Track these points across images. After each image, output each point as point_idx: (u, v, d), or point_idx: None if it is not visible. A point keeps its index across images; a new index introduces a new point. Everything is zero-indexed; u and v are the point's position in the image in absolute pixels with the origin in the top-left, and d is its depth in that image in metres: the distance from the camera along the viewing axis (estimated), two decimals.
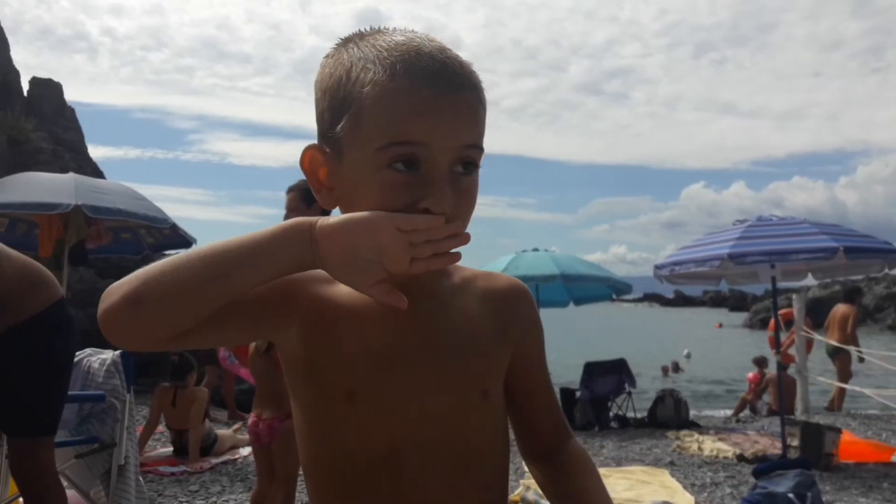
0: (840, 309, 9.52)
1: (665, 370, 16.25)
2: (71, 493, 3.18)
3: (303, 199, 3.92)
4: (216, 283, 0.76)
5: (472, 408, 0.90)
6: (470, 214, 0.87)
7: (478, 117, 0.85)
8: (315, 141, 0.89)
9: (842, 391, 9.06)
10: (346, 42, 0.87)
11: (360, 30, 0.89)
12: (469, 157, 0.85)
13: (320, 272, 0.82)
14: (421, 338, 0.89)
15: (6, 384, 2.41)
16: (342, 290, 0.88)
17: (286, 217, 4.12)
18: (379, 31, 0.87)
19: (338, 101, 0.84)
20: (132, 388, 3.25)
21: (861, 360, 9.64)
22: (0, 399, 2.41)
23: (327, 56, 0.89)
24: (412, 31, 0.86)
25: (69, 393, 2.97)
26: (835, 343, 9.13)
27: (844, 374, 9.22)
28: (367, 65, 0.82)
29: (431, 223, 0.78)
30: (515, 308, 0.99)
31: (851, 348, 9.08)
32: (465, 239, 0.82)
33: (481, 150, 0.87)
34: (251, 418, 3.24)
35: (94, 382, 3.15)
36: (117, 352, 3.21)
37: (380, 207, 0.80)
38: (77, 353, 3.37)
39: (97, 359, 3.20)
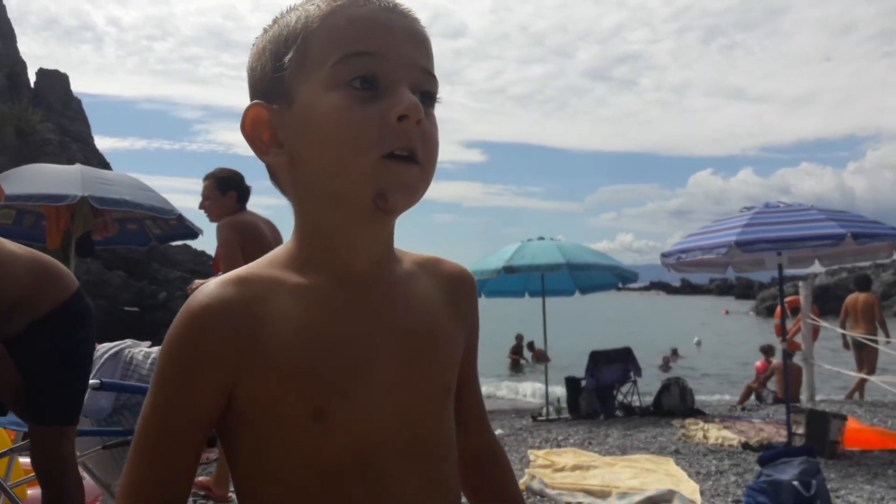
0: (860, 298, 9.32)
1: (665, 362, 15.79)
2: (88, 482, 3.21)
3: (217, 187, 3.88)
4: None
5: (438, 405, 0.84)
6: (435, 157, 0.79)
7: (429, 44, 0.80)
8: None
9: (863, 382, 8.96)
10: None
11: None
12: (427, 86, 0.78)
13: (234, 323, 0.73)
14: (386, 337, 0.81)
15: (31, 377, 2.43)
16: (285, 295, 0.78)
17: (201, 205, 4.02)
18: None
19: (280, 45, 0.78)
20: None
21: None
22: (25, 391, 2.44)
23: (258, 36, 0.83)
24: None
25: (113, 382, 3.03)
26: (861, 336, 8.86)
27: (871, 367, 9.06)
28: (307, 6, 0.78)
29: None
30: (467, 296, 0.94)
31: (881, 339, 8.90)
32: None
33: (436, 82, 0.80)
34: None
35: (137, 374, 3.16)
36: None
37: (343, 133, 0.73)
38: (115, 344, 3.41)
39: (140, 351, 3.21)
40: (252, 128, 0.79)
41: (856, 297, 9.41)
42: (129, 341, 3.34)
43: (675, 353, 16.75)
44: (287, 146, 0.78)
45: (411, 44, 0.77)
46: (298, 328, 0.76)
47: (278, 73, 0.77)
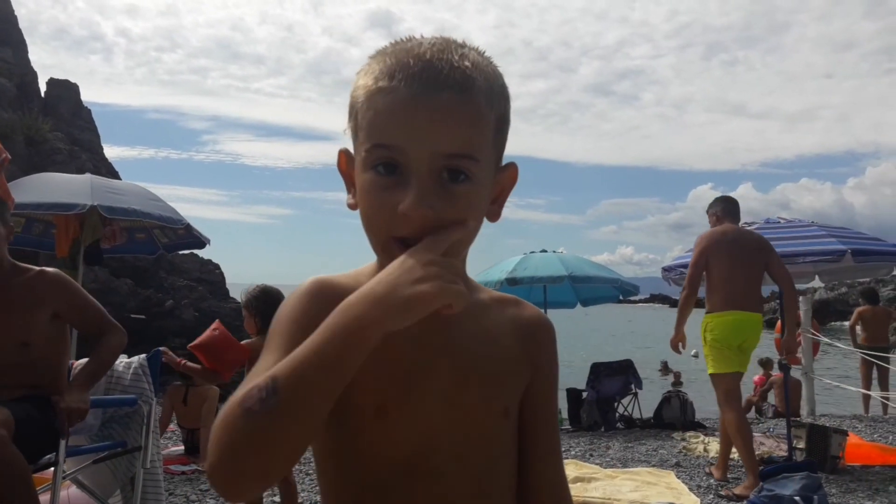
0: (878, 312, 9.28)
1: (664, 367, 15.93)
2: (79, 496, 3.20)
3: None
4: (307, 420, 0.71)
5: (494, 423, 0.91)
6: (470, 220, 0.83)
7: (462, 122, 0.80)
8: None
9: (868, 397, 8.89)
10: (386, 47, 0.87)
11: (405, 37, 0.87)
12: (455, 166, 0.80)
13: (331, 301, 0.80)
14: (445, 353, 0.89)
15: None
16: None
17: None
18: (408, 39, 0.85)
19: (349, 107, 0.87)
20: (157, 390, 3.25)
21: None
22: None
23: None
24: (439, 37, 0.85)
25: (100, 398, 3.03)
26: (876, 353, 8.72)
27: (886, 383, 9.03)
28: (365, 69, 0.84)
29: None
30: (539, 341, 0.99)
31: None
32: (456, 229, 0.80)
33: (472, 159, 0.81)
34: None
35: (119, 386, 3.15)
36: (143, 356, 3.24)
37: (365, 209, 0.83)
38: None
39: (120, 362, 3.18)
40: (346, 168, 0.90)
41: (873, 312, 9.31)
42: None
43: (666, 367, 16.50)
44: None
45: (432, 135, 0.79)
46: None
47: (351, 133, 0.87)
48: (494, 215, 0.91)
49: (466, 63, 0.81)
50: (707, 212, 5.25)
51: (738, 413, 4.74)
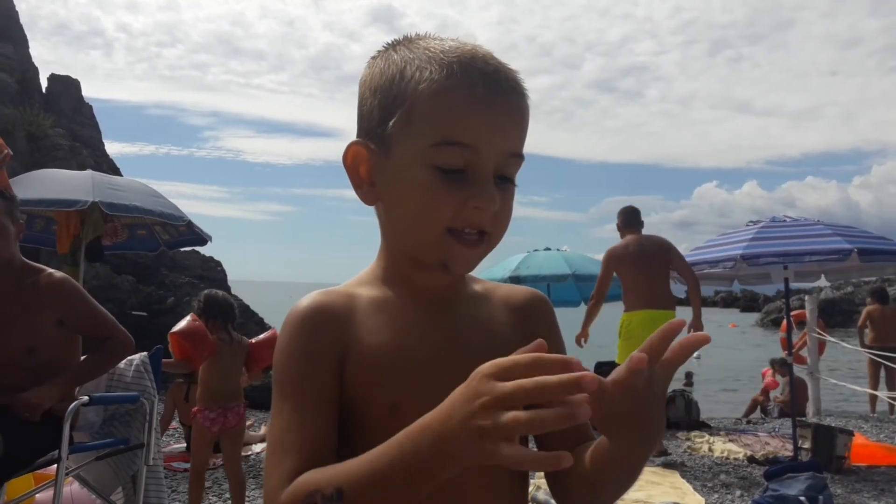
0: (888, 311, 9.16)
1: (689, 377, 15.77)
2: (82, 493, 3.20)
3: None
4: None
5: None
6: (504, 231, 0.89)
7: (525, 124, 0.87)
8: (356, 137, 0.90)
9: (875, 397, 8.82)
10: (393, 45, 0.89)
11: (405, 35, 0.91)
12: (507, 170, 0.86)
13: (344, 313, 0.88)
14: (452, 344, 0.89)
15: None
16: (370, 308, 0.90)
17: None
18: (423, 37, 0.89)
19: (390, 97, 0.85)
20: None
21: None
22: None
23: (374, 57, 0.91)
24: (455, 39, 0.88)
25: (102, 395, 3.01)
26: (883, 353, 8.50)
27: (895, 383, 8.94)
28: (423, 64, 0.83)
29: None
30: (539, 316, 1.00)
31: None
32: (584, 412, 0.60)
33: (522, 159, 0.88)
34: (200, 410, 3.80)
35: (121, 383, 3.12)
36: (144, 353, 3.22)
37: (424, 205, 0.83)
38: None
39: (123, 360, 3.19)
40: (352, 162, 0.89)
41: (880, 309, 9.22)
42: None
43: (690, 377, 16.43)
44: (378, 188, 0.88)
45: (505, 131, 0.84)
46: (376, 332, 0.88)
47: (383, 124, 0.85)
48: None
49: (513, 70, 0.87)
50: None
51: None
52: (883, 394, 8.58)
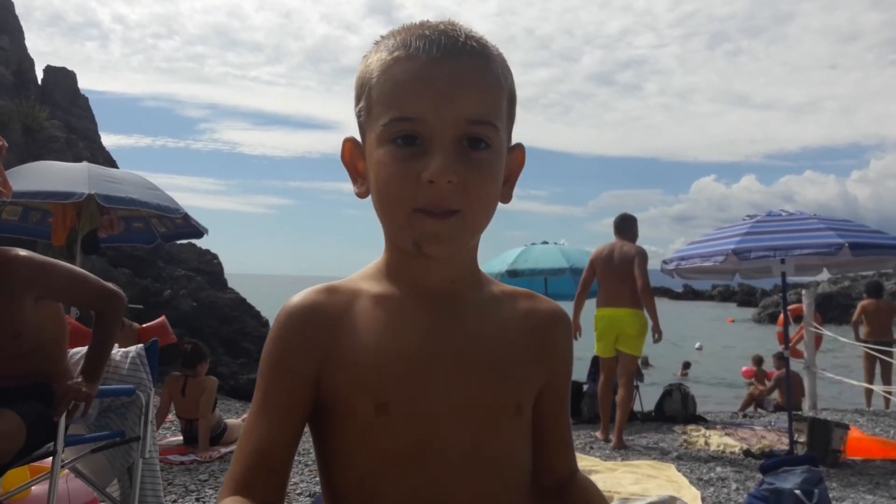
0: (882, 305, 9.27)
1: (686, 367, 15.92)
2: (77, 485, 3.19)
3: None
4: None
5: (506, 420, 0.88)
6: (484, 205, 0.83)
7: (482, 87, 0.81)
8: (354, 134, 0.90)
9: (871, 391, 8.88)
10: (383, 37, 0.87)
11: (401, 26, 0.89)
12: (475, 134, 0.80)
13: (328, 311, 0.87)
14: (453, 347, 0.87)
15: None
16: (369, 304, 0.88)
17: None
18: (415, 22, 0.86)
19: (358, 87, 0.85)
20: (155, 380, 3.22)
21: None
22: None
23: (366, 55, 0.89)
24: (446, 19, 0.85)
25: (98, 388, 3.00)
26: (879, 348, 8.67)
27: (889, 377, 9.00)
28: (380, 47, 0.83)
29: None
30: (556, 337, 0.97)
31: None
32: None
33: (493, 126, 0.81)
34: None
35: (117, 375, 3.10)
36: (140, 345, 3.20)
37: (384, 185, 0.81)
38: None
39: (118, 352, 3.14)
40: (349, 158, 0.90)
41: (874, 304, 9.27)
42: None
43: (687, 366, 16.50)
44: (367, 181, 0.87)
45: (455, 98, 0.79)
46: (371, 330, 0.86)
47: (359, 115, 0.86)
48: (506, 197, 0.90)
49: (477, 35, 0.83)
50: None
51: (603, 385, 6.34)
52: (879, 388, 8.60)
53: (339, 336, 0.86)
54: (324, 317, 0.87)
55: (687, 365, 15.79)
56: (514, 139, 0.91)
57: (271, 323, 0.91)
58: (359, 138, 0.88)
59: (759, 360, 11.26)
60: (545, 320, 0.96)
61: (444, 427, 0.84)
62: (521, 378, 0.91)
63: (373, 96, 0.82)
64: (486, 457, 0.86)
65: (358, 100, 0.85)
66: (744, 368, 10.70)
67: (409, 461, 0.84)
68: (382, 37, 0.85)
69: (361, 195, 0.88)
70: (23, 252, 2.67)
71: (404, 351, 0.85)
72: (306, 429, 0.90)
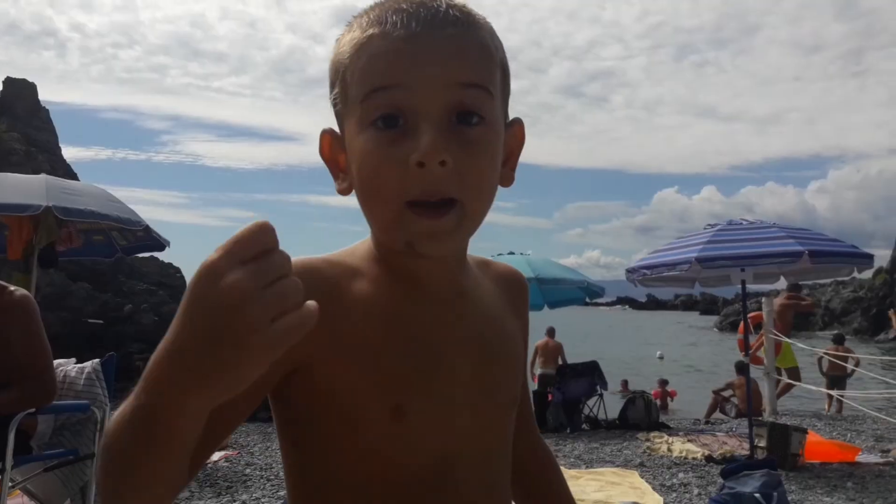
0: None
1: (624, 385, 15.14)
2: None
3: None
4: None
5: (506, 415, 0.83)
6: (482, 193, 0.72)
7: (469, 52, 0.70)
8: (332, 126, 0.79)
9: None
10: None
11: None
12: (465, 105, 0.69)
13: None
14: (460, 343, 0.79)
15: None
16: (361, 298, 0.75)
17: None
18: None
19: (332, 74, 0.76)
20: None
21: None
22: None
23: None
24: None
25: (51, 404, 2.88)
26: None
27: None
28: (347, 29, 0.75)
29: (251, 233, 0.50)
30: (520, 295, 0.93)
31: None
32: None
33: (486, 91, 0.71)
34: None
35: (72, 391, 3.04)
36: (96, 360, 3.14)
37: (366, 175, 0.70)
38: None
39: (73, 367, 3.08)
40: (329, 152, 0.78)
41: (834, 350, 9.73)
42: (61, 360, 3.16)
43: (626, 385, 15.92)
44: (349, 174, 0.76)
45: (440, 63, 0.68)
46: (377, 316, 0.74)
47: (335, 104, 0.76)
48: (507, 179, 0.79)
49: (460, 3, 0.73)
50: None
51: None
52: (836, 393, 8.81)
53: (340, 313, 0.72)
54: (328, 287, 0.72)
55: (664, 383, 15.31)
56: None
57: None
58: (338, 130, 0.78)
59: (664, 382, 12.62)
60: (513, 284, 0.92)
61: (464, 432, 0.76)
62: (518, 363, 0.87)
63: (347, 79, 0.72)
64: (494, 460, 0.81)
65: (332, 86, 0.75)
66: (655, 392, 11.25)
67: (427, 480, 0.73)
68: (355, 16, 0.75)
69: (344, 192, 0.76)
70: (20, 292, 2.73)
71: (416, 344, 0.75)
72: (271, 443, 0.78)
